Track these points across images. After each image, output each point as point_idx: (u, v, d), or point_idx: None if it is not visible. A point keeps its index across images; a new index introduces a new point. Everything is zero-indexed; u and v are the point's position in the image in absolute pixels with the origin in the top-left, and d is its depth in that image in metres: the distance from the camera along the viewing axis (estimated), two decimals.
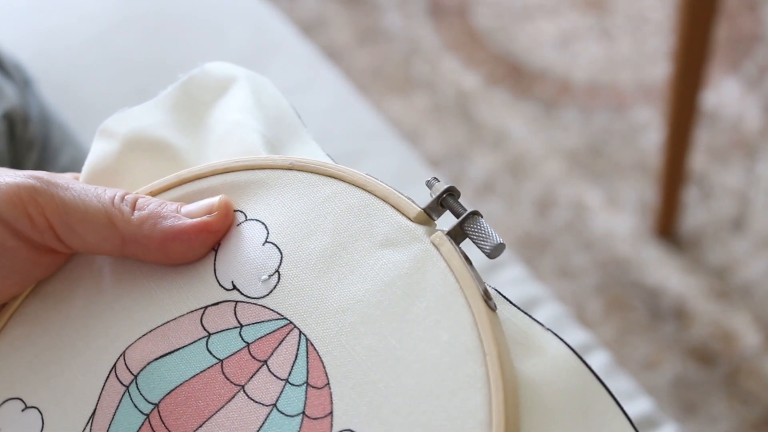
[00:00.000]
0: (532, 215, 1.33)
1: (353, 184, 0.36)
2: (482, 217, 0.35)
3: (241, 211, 0.37)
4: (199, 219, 0.36)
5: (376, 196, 0.36)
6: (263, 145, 0.38)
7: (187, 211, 0.36)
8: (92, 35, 0.84)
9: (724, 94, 1.44)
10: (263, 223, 0.36)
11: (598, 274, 1.28)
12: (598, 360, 0.75)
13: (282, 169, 0.37)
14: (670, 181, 1.24)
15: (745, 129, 1.40)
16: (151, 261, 0.36)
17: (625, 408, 0.78)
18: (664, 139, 1.21)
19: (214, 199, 0.36)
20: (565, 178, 1.37)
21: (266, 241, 0.36)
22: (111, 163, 0.39)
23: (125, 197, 0.36)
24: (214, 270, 0.36)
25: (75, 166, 0.65)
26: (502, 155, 1.39)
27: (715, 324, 1.23)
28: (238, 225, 0.37)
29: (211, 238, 0.36)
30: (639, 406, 0.73)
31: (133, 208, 0.36)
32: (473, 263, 0.35)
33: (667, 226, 1.29)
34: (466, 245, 0.36)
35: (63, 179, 0.36)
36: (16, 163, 0.61)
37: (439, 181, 0.36)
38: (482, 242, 0.34)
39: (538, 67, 1.50)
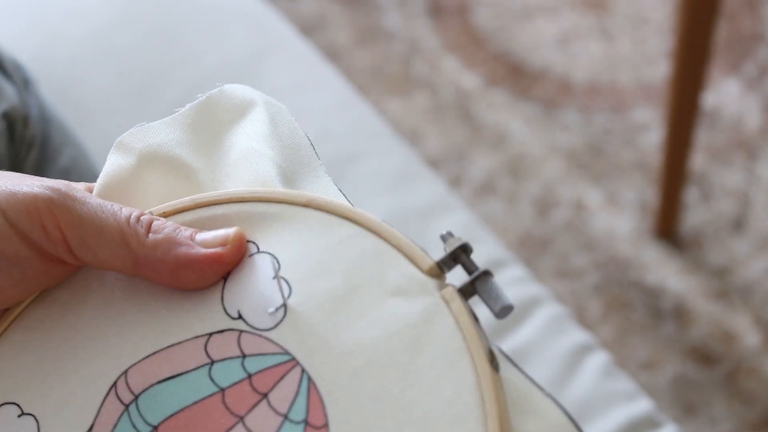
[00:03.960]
0: (532, 215, 1.33)
1: (368, 229, 0.36)
2: (493, 276, 0.35)
3: (254, 243, 0.37)
4: (213, 250, 0.36)
5: (390, 243, 0.36)
6: (278, 177, 0.38)
7: (202, 240, 0.36)
8: (92, 35, 0.84)
9: (724, 94, 1.44)
10: (275, 257, 0.36)
11: (598, 274, 1.28)
12: (598, 360, 0.75)
13: (298, 205, 0.37)
14: (670, 181, 1.24)
15: (745, 129, 1.40)
16: (161, 284, 0.36)
17: (625, 408, 0.78)
18: (664, 139, 1.21)
19: (230, 232, 0.36)
20: (565, 178, 1.37)
21: (277, 275, 0.36)
22: (126, 178, 0.39)
23: (141, 218, 0.36)
24: (222, 298, 0.36)
25: (75, 166, 0.65)
26: (502, 155, 1.39)
27: (715, 324, 1.23)
28: (249, 256, 0.36)
29: (223, 269, 0.36)
30: (639, 406, 0.73)
31: (148, 230, 0.36)
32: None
33: (667, 227, 1.29)
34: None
35: (80, 193, 0.36)
36: (16, 163, 0.61)
37: (453, 236, 0.36)
38: (492, 303, 0.35)
39: (538, 67, 1.50)
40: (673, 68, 1.14)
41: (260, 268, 0.36)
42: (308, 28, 1.53)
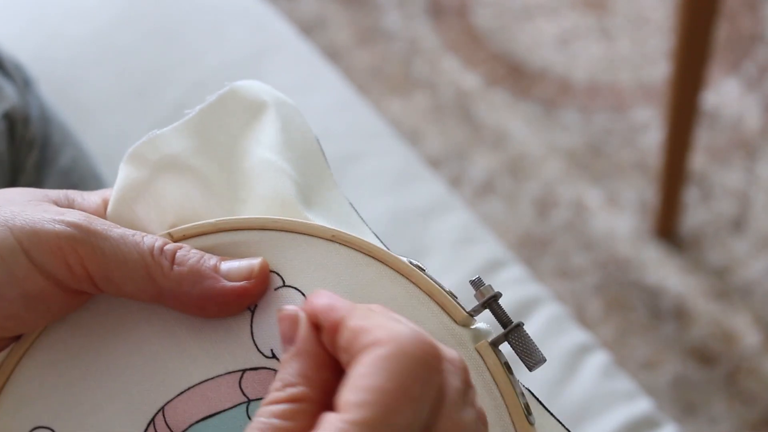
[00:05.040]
0: (532, 215, 1.33)
1: (397, 271, 0.36)
2: (524, 328, 0.35)
3: (279, 275, 0.36)
4: (238, 284, 0.35)
5: (420, 289, 0.35)
6: (297, 196, 0.38)
7: (227, 272, 0.36)
8: (92, 35, 0.84)
9: (724, 94, 1.44)
10: (302, 293, 0.36)
11: (598, 274, 1.28)
12: (598, 360, 0.75)
13: (323, 239, 0.36)
14: (670, 181, 1.24)
15: (745, 129, 1.40)
16: (185, 313, 0.36)
17: (625, 408, 0.78)
18: (664, 139, 1.21)
19: (255, 264, 0.36)
20: (565, 178, 1.37)
21: None
22: (141, 190, 0.39)
23: (164, 249, 0.36)
24: (252, 333, 0.36)
25: (75, 166, 0.65)
26: (502, 155, 1.39)
27: (715, 324, 1.23)
28: (275, 290, 0.36)
29: (248, 302, 0.36)
30: (639, 406, 0.73)
31: (172, 261, 0.36)
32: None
33: (667, 226, 1.29)
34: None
35: (101, 224, 0.36)
36: (17, 164, 0.61)
37: (483, 283, 0.36)
38: (525, 357, 0.35)
39: (538, 67, 1.50)
40: (673, 68, 1.14)
41: (289, 304, 0.35)
42: (308, 28, 1.53)
